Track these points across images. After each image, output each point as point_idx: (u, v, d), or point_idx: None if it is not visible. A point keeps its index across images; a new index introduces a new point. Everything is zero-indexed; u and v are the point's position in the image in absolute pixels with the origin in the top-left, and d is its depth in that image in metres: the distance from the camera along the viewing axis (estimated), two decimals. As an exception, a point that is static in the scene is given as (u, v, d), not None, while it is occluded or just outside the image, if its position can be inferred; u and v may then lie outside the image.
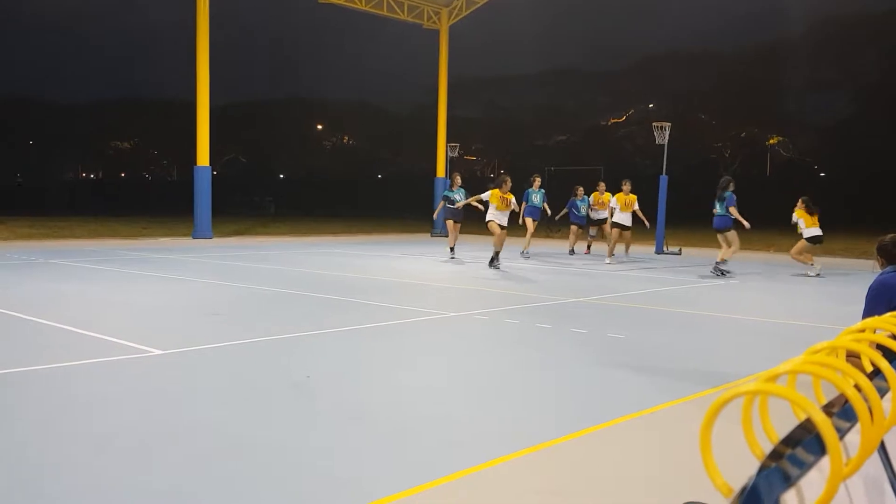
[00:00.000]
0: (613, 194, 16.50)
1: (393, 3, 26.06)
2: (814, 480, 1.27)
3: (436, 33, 28.05)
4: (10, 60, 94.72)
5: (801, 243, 13.64)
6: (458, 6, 27.40)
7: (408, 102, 72.58)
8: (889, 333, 2.07)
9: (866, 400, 1.35)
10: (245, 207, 47.99)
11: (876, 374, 1.81)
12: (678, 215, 23.50)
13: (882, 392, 1.64)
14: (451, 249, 16.06)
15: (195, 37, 20.72)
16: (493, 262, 13.76)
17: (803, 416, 1.42)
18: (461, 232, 16.68)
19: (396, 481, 3.41)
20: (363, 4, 25.35)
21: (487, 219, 14.11)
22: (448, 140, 27.78)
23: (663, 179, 19.12)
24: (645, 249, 19.61)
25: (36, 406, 4.54)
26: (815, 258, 13.89)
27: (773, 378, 1.32)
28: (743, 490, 1.12)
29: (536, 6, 45.87)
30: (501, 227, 13.83)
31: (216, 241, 20.60)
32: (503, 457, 3.76)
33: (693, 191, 36.78)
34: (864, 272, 13.77)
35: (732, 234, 13.18)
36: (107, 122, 76.31)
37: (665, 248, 19.05)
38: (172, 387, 5.06)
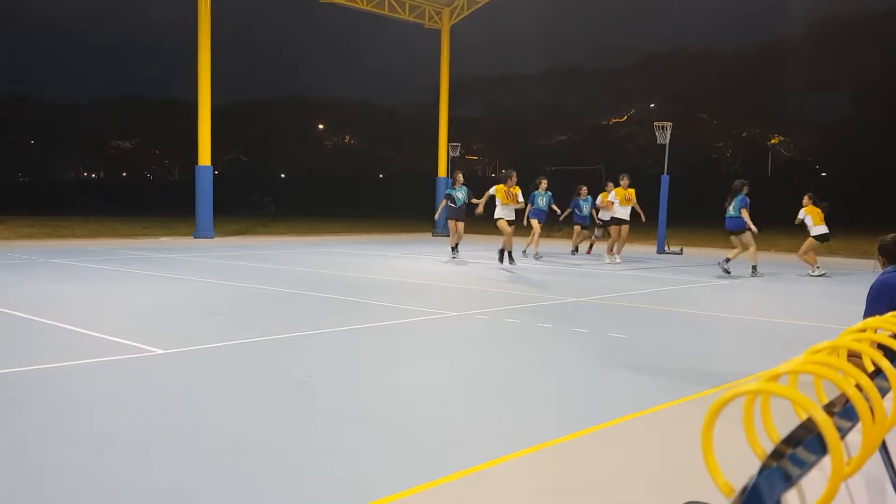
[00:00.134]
0: (604, 189, 16.53)
1: (394, 3, 26.06)
2: (815, 480, 1.26)
3: (437, 33, 28.05)
4: (11, 60, 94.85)
5: (809, 241, 13.64)
6: (460, 5, 27.39)
7: (409, 102, 72.66)
8: (890, 333, 2.06)
9: (867, 399, 1.35)
10: (246, 207, 48.04)
11: (877, 373, 1.81)
12: (679, 215, 23.49)
13: (883, 392, 1.64)
14: (453, 249, 16.02)
15: (196, 36, 20.73)
16: (503, 257, 13.79)
17: (804, 416, 1.42)
18: (465, 232, 16.55)
19: (396, 481, 3.40)
20: (364, 4, 25.34)
21: (496, 216, 14.08)
22: (449, 140, 27.79)
23: (664, 179, 19.12)
24: (646, 249, 19.61)
25: (36, 405, 4.54)
26: (816, 257, 13.90)
27: (775, 378, 1.32)
28: (744, 490, 1.11)
29: (539, 5, 45.87)
30: (510, 224, 13.76)
31: (217, 240, 20.61)
32: (503, 457, 3.75)
33: (694, 190, 36.87)
34: (865, 272, 13.77)
35: (747, 236, 13.15)
36: (108, 122, 76.36)
37: (666, 248, 19.04)
38: (173, 386, 5.06)
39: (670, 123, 19.23)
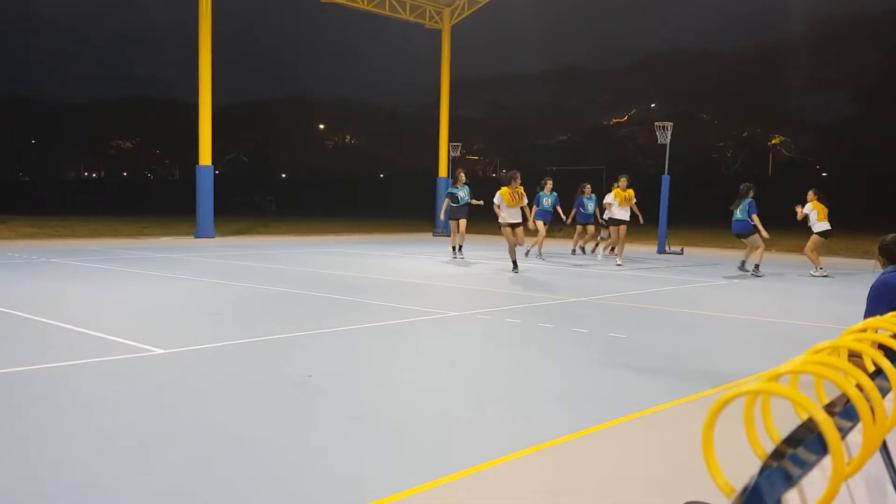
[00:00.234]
0: (611, 190, 16.46)
1: (395, 3, 26.06)
2: (815, 480, 1.26)
3: (438, 33, 28.05)
4: (11, 60, 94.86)
5: (815, 238, 13.64)
6: (460, 5, 27.39)
7: (409, 102, 72.68)
8: (891, 333, 2.06)
9: (868, 399, 1.35)
10: (246, 207, 48.07)
11: (878, 373, 1.81)
12: (680, 215, 23.49)
13: (884, 392, 1.64)
14: (454, 249, 15.94)
15: (197, 36, 20.74)
16: (516, 265, 13.32)
17: (805, 416, 1.42)
18: (466, 231, 16.24)
19: (396, 481, 3.40)
20: (365, 4, 25.34)
21: (500, 222, 13.38)
22: (450, 139, 27.79)
23: (665, 179, 19.11)
24: (647, 249, 19.60)
25: (36, 405, 4.53)
26: (819, 257, 13.90)
27: (775, 378, 1.32)
28: (745, 489, 1.11)
29: (539, 5, 45.86)
30: (513, 227, 13.21)
31: (218, 240, 20.62)
32: (503, 457, 3.75)
33: (695, 190, 36.87)
34: (866, 272, 13.77)
35: (756, 238, 13.15)
36: (108, 122, 76.33)
37: (667, 248, 19.04)
38: (173, 386, 5.06)
39: (671, 123, 19.22)
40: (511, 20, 60.02)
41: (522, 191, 13.37)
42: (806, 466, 1.25)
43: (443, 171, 27.94)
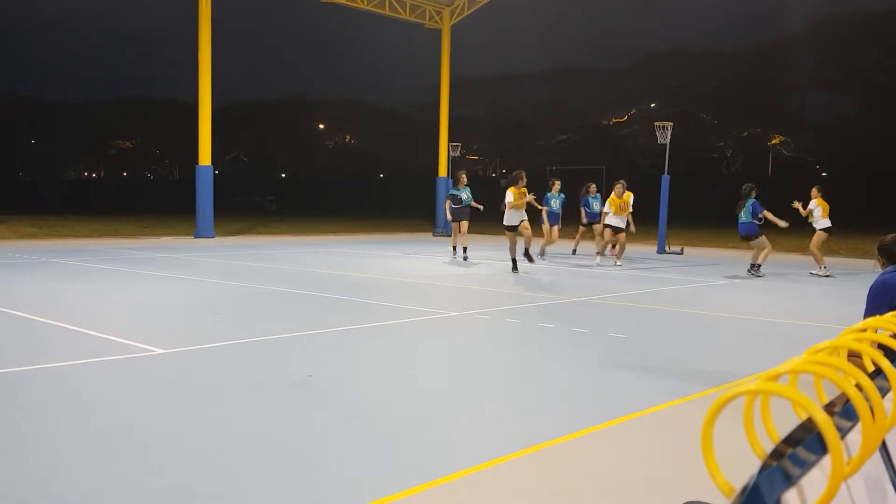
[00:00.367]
0: (606, 197, 16.38)
1: (395, 3, 26.05)
2: (815, 480, 1.26)
3: (438, 33, 28.05)
4: (12, 60, 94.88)
5: (821, 234, 13.64)
6: (460, 5, 27.38)
7: (410, 102, 72.70)
8: (890, 333, 2.06)
9: (868, 399, 1.35)
10: (246, 207, 48.07)
11: (877, 373, 1.81)
12: (680, 215, 23.48)
13: (883, 391, 1.64)
14: (454, 249, 15.87)
15: (197, 36, 20.74)
16: (530, 257, 13.18)
17: (805, 416, 1.42)
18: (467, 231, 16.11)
19: (396, 481, 3.40)
20: (365, 4, 25.33)
21: (505, 223, 13.12)
22: (450, 139, 27.77)
23: (665, 179, 19.10)
24: (647, 249, 19.60)
25: (37, 405, 4.54)
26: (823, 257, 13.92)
27: (775, 377, 1.32)
28: (744, 489, 1.11)
29: (539, 5, 45.89)
30: (518, 226, 12.94)
31: (218, 240, 20.61)
32: (503, 456, 3.75)
33: (695, 190, 36.89)
34: (866, 272, 13.76)
35: (762, 240, 13.10)
36: (108, 122, 76.35)
37: (667, 248, 19.03)
38: (173, 386, 5.06)
39: (671, 123, 19.20)
40: (511, 20, 60.06)
41: (526, 191, 13.25)
42: (805, 466, 1.25)
43: (443, 171, 27.93)
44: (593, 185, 17.47)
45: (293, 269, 13.07)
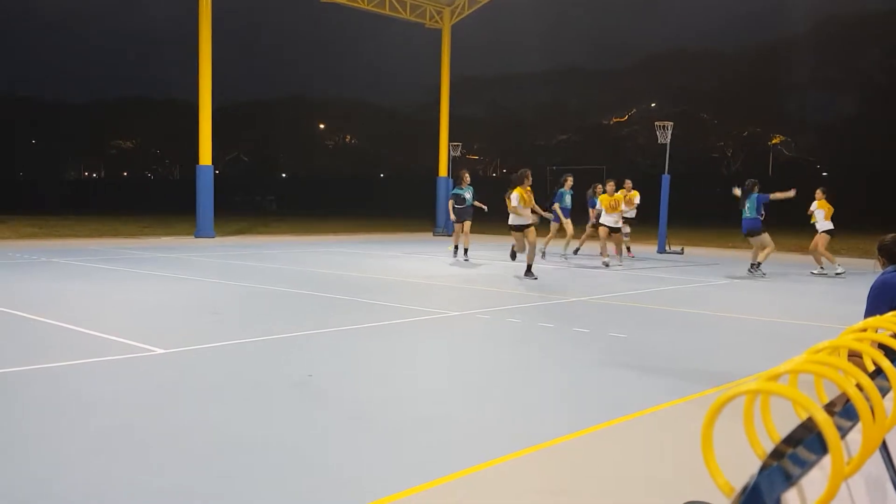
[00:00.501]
0: (630, 187, 16.38)
1: (395, 3, 26.05)
2: (815, 479, 1.26)
3: (438, 32, 28.04)
4: (12, 60, 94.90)
5: (825, 237, 13.62)
6: (461, 5, 27.38)
7: (410, 101, 72.75)
8: (891, 333, 2.06)
9: (868, 399, 1.35)
10: (247, 206, 48.08)
11: (878, 373, 1.81)
12: (680, 215, 23.49)
13: (884, 391, 1.64)
14: (456, 248, 15.80)
15: (197, 36, 20.74)
16: (528, 271, 12.32)
17: (805, 415, 1.42)
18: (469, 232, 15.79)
19: (396, 481, 3.40)
20: (365, 4, 25.33)
21: (511, 223, 12.50)
22: (450, 139, 27.77)
23: (665, 179, 19.11)
24: (647, 249, 19.60)
25: (37, 405, 4.53)
26: (815, 257, 13.91)
27: (775, 377, 1.32)
28: (744, 489, 1.11)
29: (539, 4, 45.90)
30: (524, 229, 12.35)
31: (218, 240, 20.61)
32: (503, 456, 3.75)
33: (695, 190, 36.88)
34: (866, 272, 13.77)
35: (766, 237, 13.05)
36: (108, 122, 76.41)
37: (667, 248, 19.03)
38: (173, 386, 5.06)
39: (671, 123, 19.20)
40: (511, 20, 60.08)
41: (531, 192, 12.60)
42: (806, 466, 1.25)
43: (443, 170, 27.92)
44: (599, 186, 17.43)
45: (293, 269, 13.07)
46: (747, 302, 10.16)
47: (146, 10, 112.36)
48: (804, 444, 1.30)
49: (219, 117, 23.42)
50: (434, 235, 25.73)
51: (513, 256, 13.43)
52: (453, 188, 16.06)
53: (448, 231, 23.50)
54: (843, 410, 1.52)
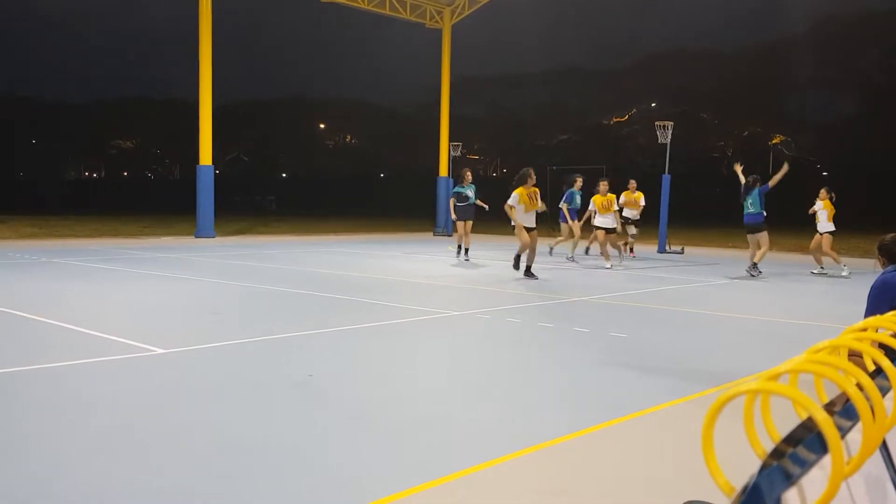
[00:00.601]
0: (633, 186, 16.35)
1: (395, 2, 26.04)
2: (815, 479, 1.26)
3: (438, 32, 28.04)
4: (12, 60, 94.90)
5: (828, 237, 13.61)
6: (461, 5, 27.37)
7: (410, 101, 72.80)
8: (891, 332, 2.06)
9: (868, 399, 1.35)
10: (247, 206, 48.08)
11: (878, 372, 1.81)
12: (680, 214, 23.48)
13: (884, 391, 1.64)
14: (459, 248, 15.72)
15: (198, 36, 20.74)
16: (528, 272, 12.05)
17: (805, 415, 1.42)
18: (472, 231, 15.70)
19: (396, 481, 3.40)
20: (365, 4, 25.33)
21: (515, 224, 12.06)
22: (450, 139, 27.77)
23: (666, 178, 19.11)
24: (647, 249, 19.60)
25: (37, 405, 4.53)
26: (822, 258, 13.90)
27: (775, 377, 1.32)
28: (745, 489, 1.11)
29: (539, 5, 45.91)
30: (529, 230, 11.92)
31: (218, 239, 20.62)
32: (503, 456, 3.75)
33: (695, 190, 36.91)
34: (866, 272, 13.76)
35: (765, 236, 13.01)
36: (108, 122, 76.47)
37: (667, 248, 19.03)
38: (173, 386, 5.06)
39: (671, 123, 19.21)
40: (511, 20, 60.08)
41: (538, 191, 12.18)
42: (806, 465, 1.25)
43: (443, 170, 27.92)
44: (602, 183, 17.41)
45: (293, 269, 13.07)
46: (747, 302, 10.16)
47: (146, 10, 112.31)
48: (804, 443, 1.29)
49: (219, 117, 23.41)
50: (434, 235, 25.73)
51: (516, 265, 12.49)
52: (454, 187, 15.97)
53: (448, 231, 23.49)
54: (843, 410, 1.52)
